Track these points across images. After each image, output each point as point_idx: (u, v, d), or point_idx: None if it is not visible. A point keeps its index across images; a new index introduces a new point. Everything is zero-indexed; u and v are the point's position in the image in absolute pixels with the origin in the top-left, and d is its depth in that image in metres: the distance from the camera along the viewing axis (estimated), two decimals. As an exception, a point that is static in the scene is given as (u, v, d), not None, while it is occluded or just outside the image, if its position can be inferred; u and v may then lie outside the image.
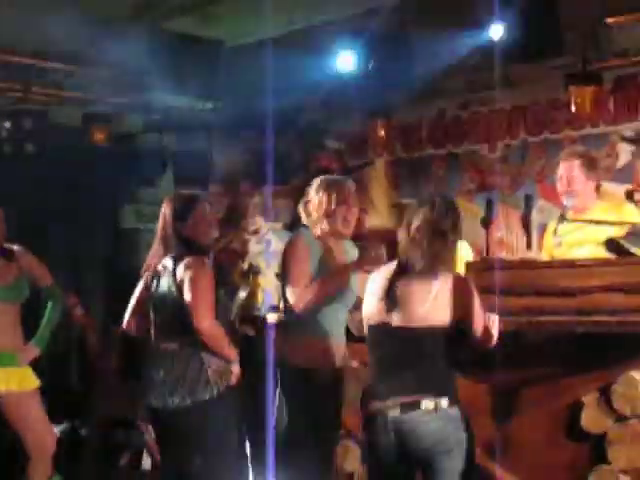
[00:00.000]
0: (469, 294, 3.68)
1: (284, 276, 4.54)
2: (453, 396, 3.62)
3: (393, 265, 3.81)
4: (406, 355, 3.68)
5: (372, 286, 3.84)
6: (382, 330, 3.73)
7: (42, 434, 4.98)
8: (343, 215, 4.47)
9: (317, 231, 4.52)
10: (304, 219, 4.58)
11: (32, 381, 4.97)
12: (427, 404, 3.59)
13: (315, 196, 4.50)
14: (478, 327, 3.69)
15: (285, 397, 4.53)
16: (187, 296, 4.27)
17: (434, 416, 3.58)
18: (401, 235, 3.83)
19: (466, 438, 3.62)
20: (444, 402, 3.58)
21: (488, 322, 3.77)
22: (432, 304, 3.63)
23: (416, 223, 3.76)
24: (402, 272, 3.72)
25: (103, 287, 6.23)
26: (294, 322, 4.51)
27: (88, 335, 4.84)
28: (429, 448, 3.60)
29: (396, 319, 3.67)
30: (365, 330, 3.86)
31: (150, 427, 4.88)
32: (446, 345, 3.70)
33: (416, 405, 3.58)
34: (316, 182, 4.53)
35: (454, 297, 3.64)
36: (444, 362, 3.69)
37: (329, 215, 4.49)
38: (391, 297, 3.69)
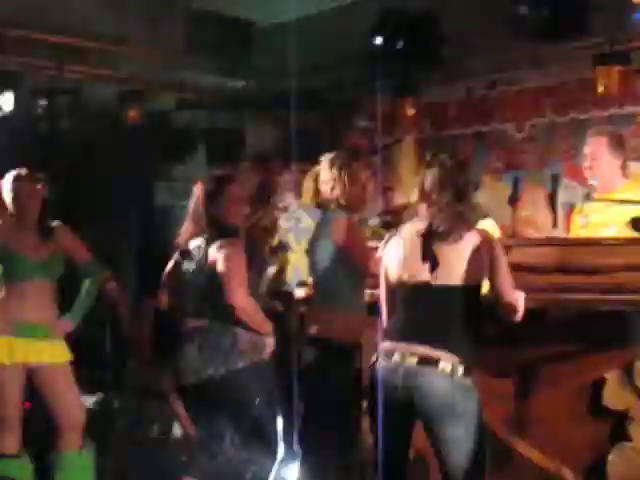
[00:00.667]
0: (496, 252, 3.69)
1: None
2: (471, 366, 3.62)
3: (418, 226, 3.81)
4: (440, 313, 3.70)
5: (402, 248, 3.84)
6: (421, 288, 3.73)
7: (72, 406, 5.03)
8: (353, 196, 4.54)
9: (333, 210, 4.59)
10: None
11: (64, 354, 5.01)
12: (445, 365, 3.59)
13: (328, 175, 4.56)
14: (505, 288, 3.69)
15: (315, 368, 4.54)
16: (221, 275, 4.36)
17: (447, 379, 3.59)
18: (416, 197, 3.86)
19: (474, 412, 3.61)
20: (461, 369, 3.58)
21: (514, 296, 3.80)
22: (467, 263, 3.65)
23: (431, 182, 3.79)
24: (430, 234, 3.73)
25: (136, 262, 6.26)
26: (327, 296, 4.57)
27: (121, 309, 4.88)
28: (434, 408, 3.60)
29: (437, 278, 3.69)
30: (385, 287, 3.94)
31: (180, 399, 4.94)
32: (478, 309, 3.73)
33: (434, 362, 3.59)
34: (325, 161, 4.61)
35: (483, 255, 3.66)
36: (474, 328, 3.70)
37: (335, 196, 4.61)
38: (430, 257, 3.70)
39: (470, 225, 3.77)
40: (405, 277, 3.80)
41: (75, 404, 5.08)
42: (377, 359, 3.77)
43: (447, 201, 3.71)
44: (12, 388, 4.88)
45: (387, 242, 3.97)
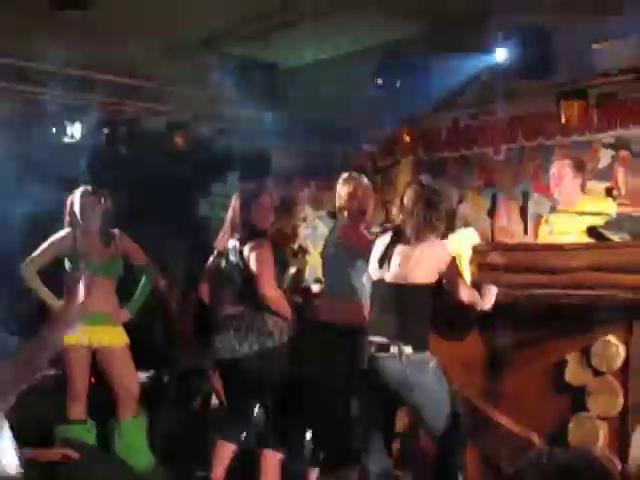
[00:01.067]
0: (448, 261, 3.80)
1: None
2: (420, 345, 3.74)
3: (390, 233, 3.92)
4: (391, 307, 3.80)
5: (375, 250, 3.94)
6: (379, 286, 3.87)
7: (128, 381, 5.08)
8: (355, 208, 4.52)
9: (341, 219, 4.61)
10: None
11: (122, 338, 5.07)
12: (393, 349, 3.70)
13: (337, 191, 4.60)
14: (461, 292, 3.82)
15: (327, 350, 4.57)
16: (254, 270, 4.41)
17: (396, 360, 3.70)
18: (395, 207, 3.98)
19: (430, 381, 3.74)
20: (408, 349, 3.69)
21: (487, 291, 3.86)
22: (413, 266, 3.76)
23: (409, 196, 3.85)
24: (398, 238, 3.83)
25: (182, 263, 6.30)
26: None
27: (169, 302, 4.95)
28: (393, 385, 3.74)
29: (388, 277, 3.80)
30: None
31: (217, 374, 4.98)
32: (423, 301, 3.82)
33: (386, 348, 3.72)
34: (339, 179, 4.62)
35: (435, 261, 3.78)
36: (420, 315, 3.82)
37: (342, 208, 4.64)
38: (385, 259, 3.82)
39: (438, 234, 3.85)
40: (374, 276, 3.93)
41: (131, 379, 5.14)
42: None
43: (418, 210, 3.78)
44: (80, 366, 4.94)
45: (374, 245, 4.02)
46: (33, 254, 4.99)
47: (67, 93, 6.12)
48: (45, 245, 5.02)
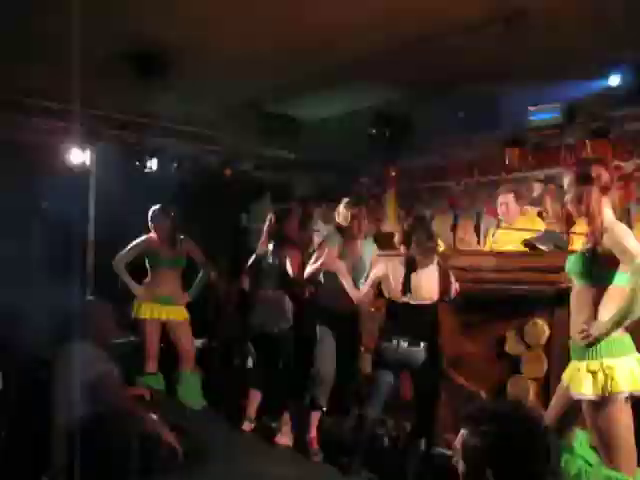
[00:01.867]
0: (449, 278, 3.81)
1: None
2: (435, 345, 3.79)
3: (402, 259, 3.80)
4: (413, 319, 3.75)
5: (392, 275, 3.80)
6: (401, 305, 3.77)
7: (188, 345, 5.11)
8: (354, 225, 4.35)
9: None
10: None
11: (184, 314, 5.09)
12: (421, 345, 3.65)
13: (340, 211, 4.44)
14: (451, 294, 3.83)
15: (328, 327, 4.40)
16: (288, 267, 4.45)
17: (422, 351, 3.69)
18: (399, 239, 3.88)
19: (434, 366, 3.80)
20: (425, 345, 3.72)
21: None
22: (430, 288, 3.76)
23: (409, 228, 3.79)
24: (411, 266, 3.75)
25: (229, 261, 6.28)
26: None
27: (219, 289, 4.95)
28: (418, 365, 3.72)
29: (409, 299, 3.75)
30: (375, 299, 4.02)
31: (252, 343, 4.94)
32: (434, 313, 3.83)
33: (417, 344, 3.70)
34: (342, 203, 4.46)
35: (441, 277, 3.79)
36: (430, 321, 3.81)
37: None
38: (407, 285, 3.74)
39: (435, 260, 3.82)
40: (393, 295, 3.81)
41: (190, 344, 5.16)
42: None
43: (422, 240, 3.74)
44: (153, 333, 4.96)
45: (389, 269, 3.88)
46: (121, 252, 4.99)
47: (153, 138, 6.11)
48: (129, 246, 5.02)
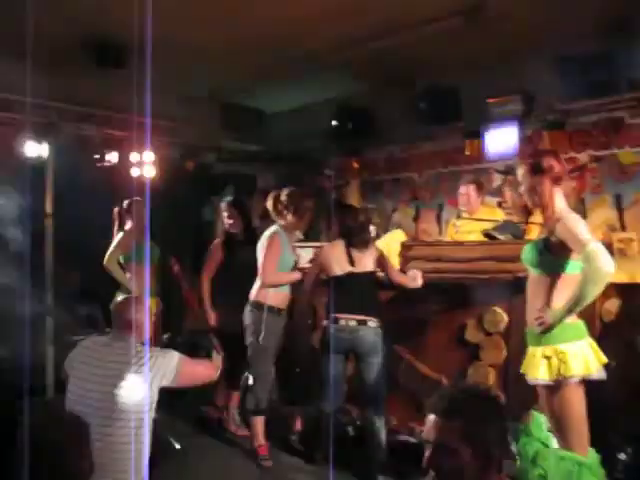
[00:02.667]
0: (385, 258, 3.91)
1: None
2: (379, 319, 3.77)
3: (342, 242, 3.91)
4: (359, 291, 3.80)
5: (334, 254, 3.90)
6: (346, 276, 3.82)
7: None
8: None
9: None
10: None
11: (158, 305, 4.95)
12: (370, 323, 3.70)
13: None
14: (394, 276, 3.88)
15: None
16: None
17: (372, 331, 3.69)
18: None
19: (382, 346, 3.77)
20: (377, 324, 3.75)
21: (414, 274, 3.88)
22: (368, 260, 3.83)
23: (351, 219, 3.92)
24: (350, 245, 3.86)
25: (191, 253, 6.22)
26: None
27: (181, 281, 4.90)
28: (366, 349, 3.73)
29: (354, 269, 3.82)
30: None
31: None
32: (375, 285, 3.88)
33: (365, 322, 3.70)
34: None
35: (377, 260, 3.85)
36: (377, 297, 3.88)
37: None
38: (350, 258, 3.83)
39: (372, 243, 3.95)
40: (338, 270, 3.87)
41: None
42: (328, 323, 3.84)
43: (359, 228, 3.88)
44: None
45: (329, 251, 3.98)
46: (110, 250, 4.90)
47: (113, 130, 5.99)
48: (115, 242, 4.95)
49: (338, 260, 3.87)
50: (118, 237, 4.95)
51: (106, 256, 4.86)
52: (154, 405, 2.65)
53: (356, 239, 3.87)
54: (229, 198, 4.75)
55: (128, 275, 4.94)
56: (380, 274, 3.92)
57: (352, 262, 3.83)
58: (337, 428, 4.12)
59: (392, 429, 4.09)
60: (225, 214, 4.68)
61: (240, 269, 4.44)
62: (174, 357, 2.76)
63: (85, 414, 2.21)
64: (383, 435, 3.81)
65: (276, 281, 4.10)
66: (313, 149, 6.98)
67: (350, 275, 3.81)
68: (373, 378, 3.76)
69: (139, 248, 4.84)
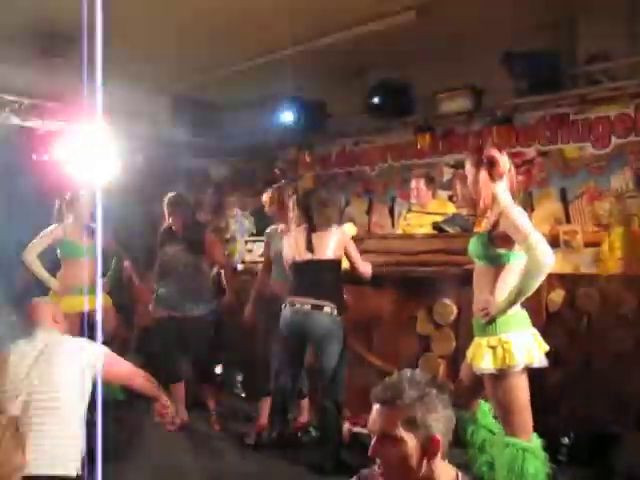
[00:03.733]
0: (350, 243, 3.84)
1: None
2: (339, 307, 3.72)
3: (302, 226, 3.89)
4: (317, 277, 3.76)
5: (292, 240, 3.89)
6: (304, 262, 3.79)
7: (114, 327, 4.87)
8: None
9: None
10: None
11: (108, 300, 4.86)
12: (326, 309, 3.70)
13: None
14: (356, 261, 3.83)
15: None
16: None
17: (328, 317, 3.69)
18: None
19: (342, 335, 3.73)
20: (335, 311, 3.70)
21: (365, 266, 3.91)
22: (332, 247, 3.76)
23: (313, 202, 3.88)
24: (310, 229, 3.82)
25: (143, 248, 6.09)
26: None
27: (132, 277, 4.85)
28: (321, 335, 3.70)
29: (312, 256, 3.77)
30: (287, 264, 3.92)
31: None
32: (339, 273, 3.82)
33: (321, 307, 3.69)
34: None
35: (341, 243, 3.79)
36: (338, 284, 3.81)
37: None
38: (309, 244, 3.79)
39: (335, 224, 3.86)
40: (297, 257, 3.85)
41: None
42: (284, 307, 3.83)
43: (319, 209, 3.83)
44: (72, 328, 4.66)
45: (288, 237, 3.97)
46: (32, 242, 4.67)
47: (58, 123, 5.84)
48: (40, 235, 4.76)
49: (296, 246, 3.83)
50: (47, 229, 4.73)
51: (27, 247, 4.64)
52: (87, 394, 2.70)
53: (317, 219, 3.81)
54: (169, 195, 4.68)
55: (62, 271, 4.76)
56: (342, 259, 3.87)
57: (311, 248, 3.77)
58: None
59: (346, 420, 4.12)
60: (165, 211, 4.64)
61: (172, 266, 4.52)
62: (101, 348, 2.84)
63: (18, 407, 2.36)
64: (339, 424, 3.80)
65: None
66: (266, 143, 6.99)
67: (308, 262, 3.77)
68: (329, 365, 3.71)
69: (73, 243, 4.69)
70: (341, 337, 3.73)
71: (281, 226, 4.29)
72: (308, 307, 3.69)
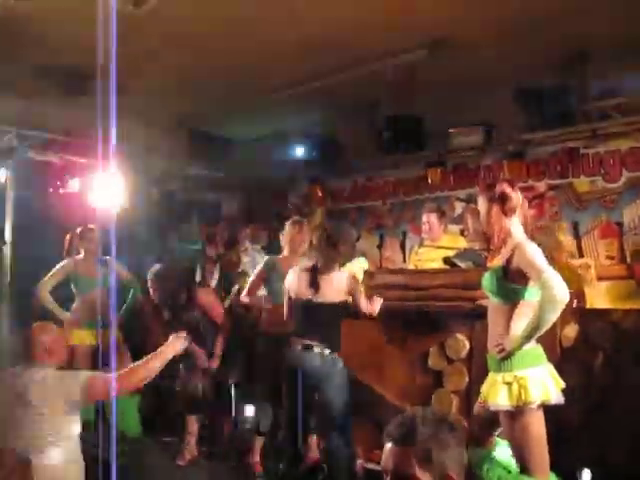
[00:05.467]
0: (355, 285, 3.83)
1: None
2: (334, 348, 3.70)
3: (307, 264, 3.87)
4: (314, 318, 3.75)
5: (296, 277, 3.87)
6: (306, 303, 3.78)
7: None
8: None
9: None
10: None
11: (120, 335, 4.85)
12: (316, 349, 3.68)
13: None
14: (359, 303, 3.81)
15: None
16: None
17: (317, 356, 3.68)
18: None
19: (337, 374, 3.71)
20: (327, 351, 3.68)
21: (374, 302, 3.89)
22: (332, 289, 3.76)
23: (315, 240, 3.89)
24: (314, 269, 3.80)
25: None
26: None
27: (146, 311, 4.88)
28: (314, 375, 3.69)
29: (315, 297, 3.76)
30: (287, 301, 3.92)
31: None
32: (336, 315, 3.79)
33: (310, 347, 3.69)
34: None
35: (346, 286, 3.78)
36: (334, 325, 3.79)
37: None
38: (313, 284, 3.77)
39: (339, 265, 3.86)
40: (298, 295, 3.83)
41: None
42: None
43: (324, 249, 3.81)
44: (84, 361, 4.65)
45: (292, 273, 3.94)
46: (43, 279, 4.75)
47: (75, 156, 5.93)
48: (52, 272, 4.81)
49: (301, 284, 3.83)
50: (58, 265, 4.80)
51: (39, 283, 4.71)
52: (73, 423, 2.75)
53: (323, 260, 3.81)
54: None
55: (76, 304, 4.80)
56: (348, 300, 3.86)
57: (317, 287, 3.76)
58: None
59: (358, 457, 4.06)
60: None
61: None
62: (80, 376, 2.83)
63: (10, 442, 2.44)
64: (349, 463, 3.76)
65: None
66: (279, 177, 7.04)
67: (310, 302, 3.76)
68: (330, 405, 3.69)
69: (84, 277, 4.74)
70: (337, 376, 3.72)
71: (281, 257, 4.31)
72: (299, 347, 3.71)
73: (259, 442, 4.34)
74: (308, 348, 3.69)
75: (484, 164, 5.97)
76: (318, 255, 3.82)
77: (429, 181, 6.09)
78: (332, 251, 3.80)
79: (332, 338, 3.75)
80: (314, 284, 3.75)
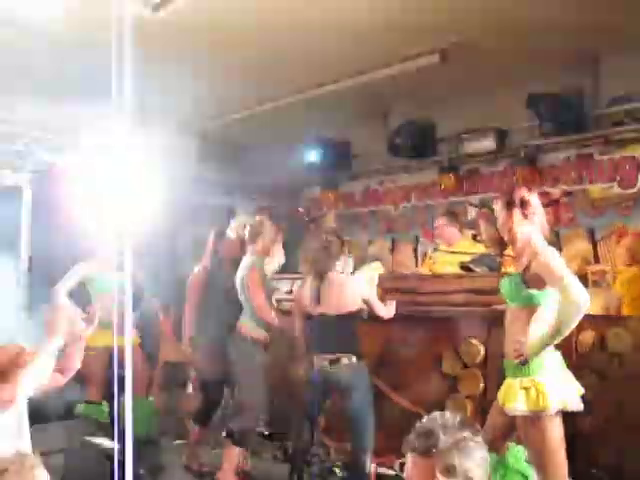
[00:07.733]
0: (367, 292, 3.80)
1: None
2: (357, 354, 3.65)
3: (311, 278, 3.78)
4: (331, 330, 3.69)
5: (303, 292, 3.82)
6: (316, 316, 3.73)
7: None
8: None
9: None
10: None
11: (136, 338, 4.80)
12: (344, 360, 3.64)
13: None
14: (377, 307, 3.77)
15: None
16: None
17: (345, 368, 3.63)
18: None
19: (364, 379, 3.66)
20: (354, 359, 3.64)
21: (389, 306, 3.86)
22: (342, 300, 3.69)
23: (314, 250, 3.79)
24: (320, 280, 3.73)
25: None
26: None
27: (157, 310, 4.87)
28: (342, 386, 3.64)
29: (324, 310, 3.70)
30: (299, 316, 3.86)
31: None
32: (354, 323, 3.71)
33: (338, 360, 3.63)
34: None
35: (355, 294, 3.72)
36: (354, 334, 3.71)
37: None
38: (318, 298, 3.72)
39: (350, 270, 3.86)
40: (308, 309, 3.77)
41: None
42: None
43: (324, 260, 3.73)
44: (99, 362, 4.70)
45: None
46: (60, 282, 4.67)
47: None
48: (68, 274, 4.79)
49: (307, 298, 3.78)
50: (74, 269, 4.72)
51: (55, 287, 4.60)
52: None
53: (318, 270, 3.73)
54: (215, 230, 4.66)
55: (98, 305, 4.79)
56: (362, 307, 3.78)
57: (319, 299, 3.71)
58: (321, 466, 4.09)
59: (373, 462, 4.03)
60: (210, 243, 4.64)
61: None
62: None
63: None
64: (369, 470, 3.71)
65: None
66: (291, 181, 7.04)
67: (319, 315, 3.72)
68: (356, 413, 3.64)
69: (100, 278, 4.70)
70: (363, 383, 3.67)
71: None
72: (326, 363, 3.64)
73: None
74: (335, 362, 3.62)
75: (496, 170, 5.93)
76: (320, 264, 3.74)
77: (441, 186, 6.08)
78: (326, 254, 3.72)
79: (353, 345, 3.69)
80: (321, 295, 3.69)
